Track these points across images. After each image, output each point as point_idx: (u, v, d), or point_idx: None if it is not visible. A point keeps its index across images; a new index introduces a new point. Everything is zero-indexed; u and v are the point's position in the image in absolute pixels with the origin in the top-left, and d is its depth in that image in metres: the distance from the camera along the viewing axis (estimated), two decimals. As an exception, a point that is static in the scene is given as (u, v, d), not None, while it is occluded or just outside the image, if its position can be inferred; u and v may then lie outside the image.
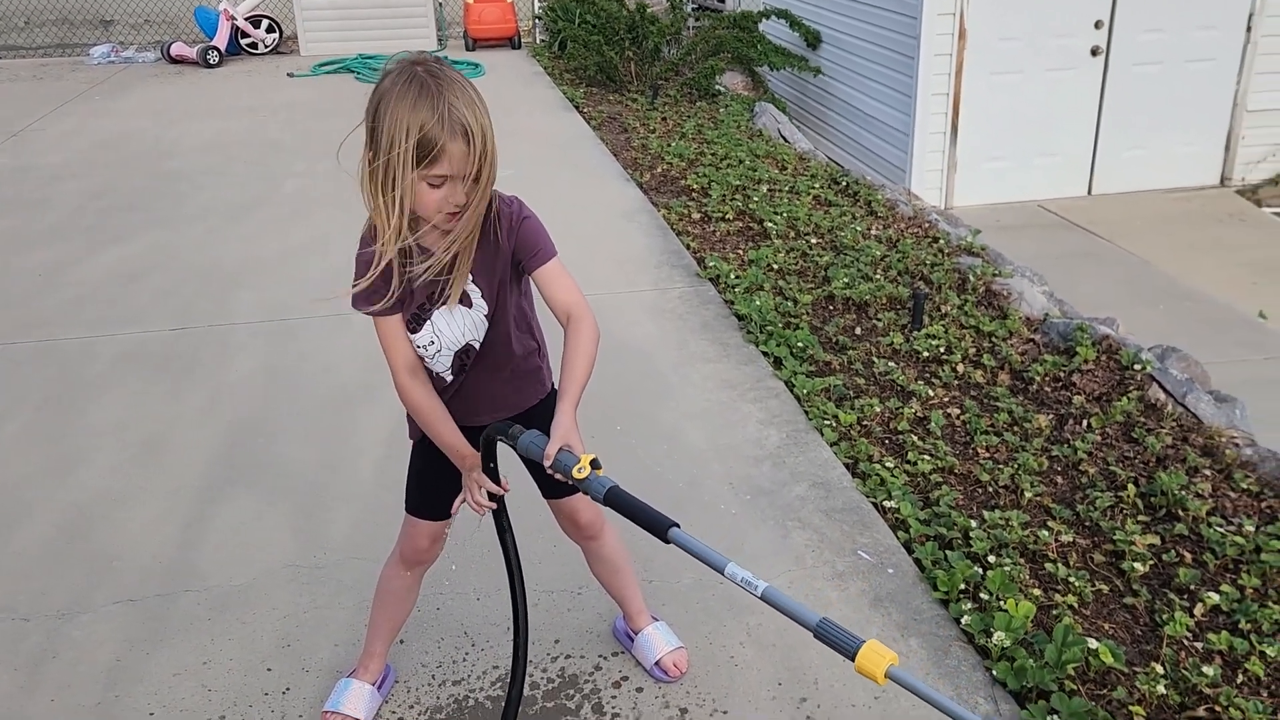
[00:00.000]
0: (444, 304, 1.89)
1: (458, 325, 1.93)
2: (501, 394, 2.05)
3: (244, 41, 10.82)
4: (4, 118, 8.24)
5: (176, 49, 10.45)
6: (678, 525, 1.65)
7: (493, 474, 1.93)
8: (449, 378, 2.01)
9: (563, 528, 2.27)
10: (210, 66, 10.23)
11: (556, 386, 1.88)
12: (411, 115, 1.66)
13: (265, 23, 10.88)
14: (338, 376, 3.82)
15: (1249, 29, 7.40)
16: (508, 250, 1.88)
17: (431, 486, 2.08)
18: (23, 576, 2.73)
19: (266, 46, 10.90)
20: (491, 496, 1.93)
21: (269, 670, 2.38)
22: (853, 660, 1.40)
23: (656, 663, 2.33)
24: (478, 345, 1.97)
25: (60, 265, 4.99)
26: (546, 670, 2.36)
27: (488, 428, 1.86)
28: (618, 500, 1.69)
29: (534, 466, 1.94)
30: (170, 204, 5.94)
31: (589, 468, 1.71)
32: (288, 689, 2.32)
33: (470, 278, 1.88)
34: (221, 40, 10.37)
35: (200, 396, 3.69)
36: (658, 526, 1.65)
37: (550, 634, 2.47)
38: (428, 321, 1.92)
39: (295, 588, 2.65)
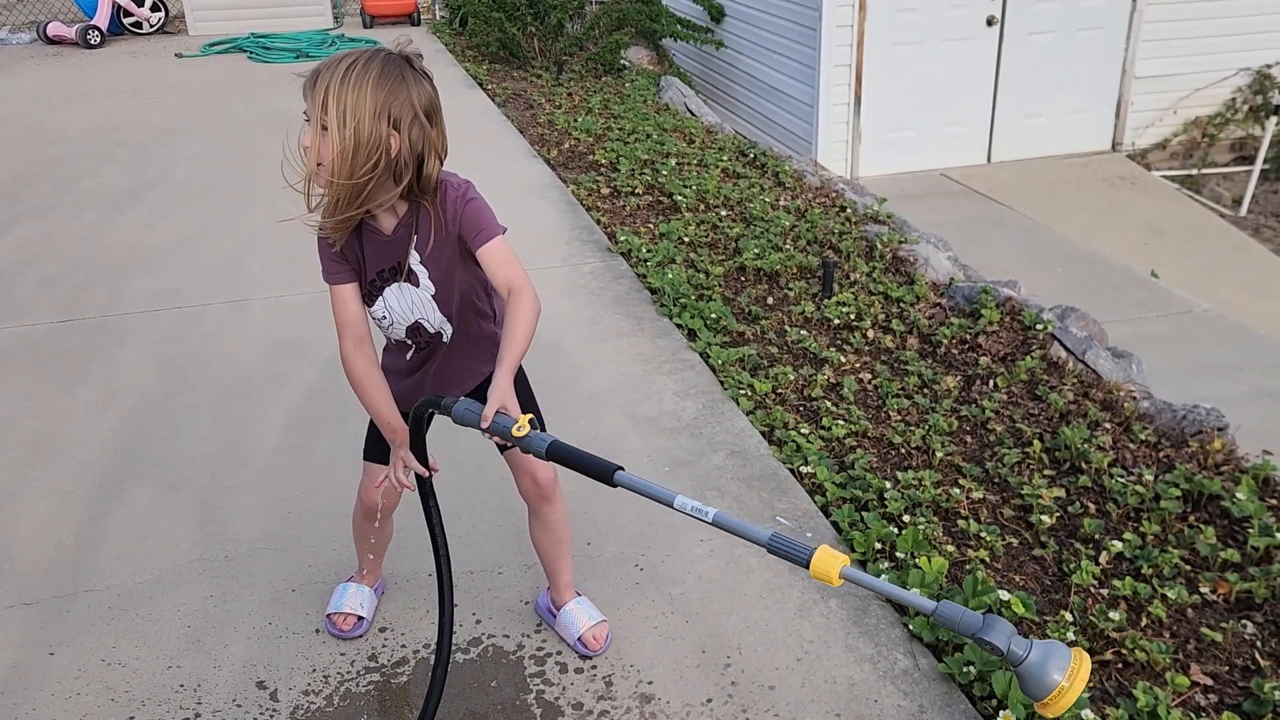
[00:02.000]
0: (393, 280, 1.97)
1: (406, 302, 2.00)
2: (464, 367, 2.11)
3: (127, 21, 10.36)
4: None
5: (54, 29, 9.96)
6: (622, 468, 1.65)
7: (421, 453, 1.95)
8: (409, 354, 2.10)
9: (520, 486, 2.28)
10: (91, 47, 9.78)
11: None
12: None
13: (150, 1, 10.43)
14: (237, 364, 3.69)
15: (1134, -2, 7.64)
16: (453, 233, 1.94)
17: (378, 437, 2.12)
18: (-95, 586, 2.58)
19: (152, 26, 10.47)
20: (416, 476, 1.97)
21: (179, 668, 2.29)
22: (807, 567, 1.43)
23: (579, 638, 2.33)
24: (428, 324, 2.03)
25: (-65, 258, 4.72)
26: (470, 650, 2.33)
27: (417, 403, 1.87)
28: (560, 453, 1.69)
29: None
30: (54, 191, 5.66)
31: (528, 426, 1.71)
32: (199, 685, 2.24)
33: (417, 257, 1.95)
34: (103, 20, 9.92)
35: (92, 390, 3.53)
36: (603, 471, 1.66)
37: (473, 612, 2.44)
38: (379, 297, 2.00)
39: (204, 582, 2.56)
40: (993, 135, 7.93)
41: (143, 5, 10.38)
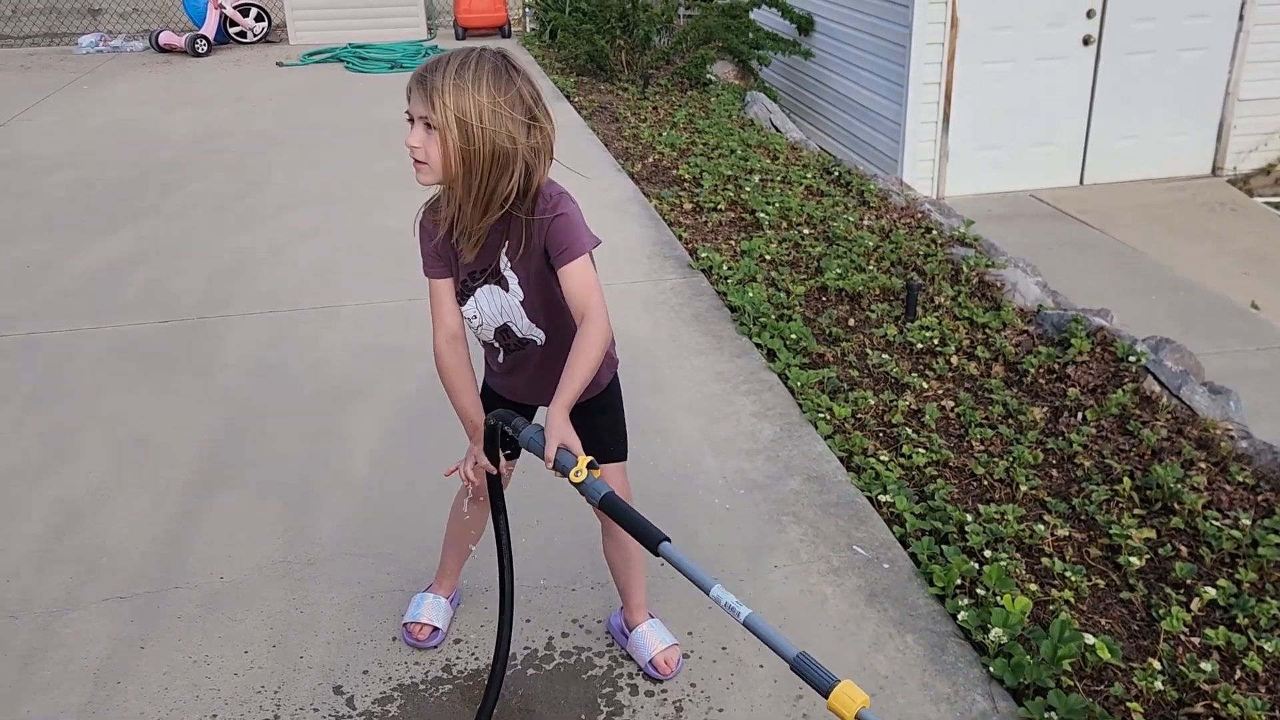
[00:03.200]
0: (484, 282, 2.01)
1: (496, 305, 2.04)
2: (553, 371, 2.05)
3: (232, 30, 10.73)
4: (-10, 107, 8.17)
5: (165, 38, 10.36)
6: (669, 540, 1.66)
7: (493, 456, 1.99)
8: (500, 358, 2.14)
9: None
10: (198, 55, 10.15)
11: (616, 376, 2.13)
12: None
13: (254, 11, 10.79)
14: (328, 370, 3.78)
15: (1241, 17, 7.39)
16: (539, 244, 1.94)
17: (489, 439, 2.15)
18: (11, 573, 2.70)
19: (255, 35, 10.82)
20: (487, 475, 2.02)
21: (260, 669, 2.36)
22: (826, 697, 1.40)
23: (650, 660, 2.33)
24: (516, 328, 2.07)
25: (48, 258, 4.94)
26: (542, 665, 2.35)
27: (492, 414, 1.92)
28: (612, 507, 1.71)
29: (579, 427, 1.97)
30: (159, 194, 5.89)
31: (585, 470, 1.72)
32: (279, 687, 2.30)
33: (507, 263, 1.98)
34: (210, 29, 10.28)
35: (189, 391, 3.66)
36: (649, 538, 1.66)
37: (545, 628, 2.46)
38: (471, 297, 2.05)
39: (287, 584, 2.63)
40: (1086, 157, 7.74)
41: (248, 15, 10.74)
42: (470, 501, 2.34)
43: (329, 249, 4.98)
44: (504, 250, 1.97)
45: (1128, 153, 7.71)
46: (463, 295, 2.05)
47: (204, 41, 10.19)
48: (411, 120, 1.85)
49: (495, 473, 2.01)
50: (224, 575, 2.67)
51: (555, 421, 1.79)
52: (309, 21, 10.73)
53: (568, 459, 1.74)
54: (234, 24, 10.69)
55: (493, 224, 1.93)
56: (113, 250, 5.04)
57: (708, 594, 1.59)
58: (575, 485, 1.73)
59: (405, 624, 2.43)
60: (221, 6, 10.41)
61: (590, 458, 1.74)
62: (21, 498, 3.03)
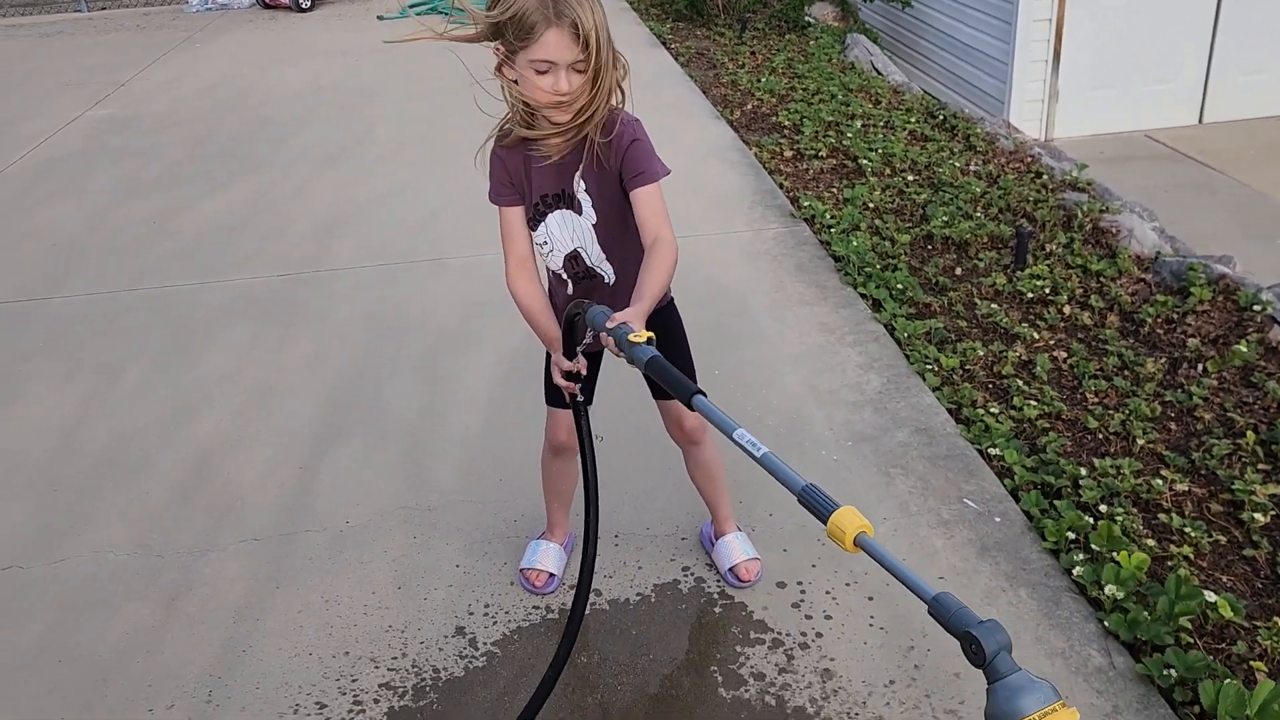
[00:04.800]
0: (557, 206, 2.04)
1: (568, 229, 2.08)
2: (618, 304, 2.10)
3: (332, -16, 10.88)
4: (112, 66, 8.47)
5: (270, -7, 10.57)
6: (703, 393, 1.63)
7: (571, 352, 1.98)
8: (570, 289, 2.17)
9: (670, 432, 2.39)
10: (302, 11, 10.34)
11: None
12: (522, 2, 1.79)
13: (352, -36, 10.91)
14: (436, 322, 3.89)
15: (1384, -60, 6.89)
16: (615, 168, 1.97)
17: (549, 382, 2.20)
18: (154, 517, 2.87)
19: (355, -12, 10.95)
20: (574, 378, 1.99)
21: (387, 609, 2.48)
22: (824, 524, 1.36)
23: (730, 568, 2.46)
24: (586, 255, 2.10)
25: (168, 213, 5.15)
26: (657, 607, 2.41)
27: (568, 316, 1.92)
28: (657, 368, 1.66)
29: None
30: (268, 150, 6.07)
31: (644, 336, 1.70)
32: (405, 627, 2.41)
33: (583, 185, 2.01)
34: (313, -16, 10.45)
35: (306, 342, 3.80)
36: (685, 391, 1.63)
37: (659, 573, 2.51)
38: (543, 222, 2.08)
39: (408, 529, 2.74)
40: (1206, 94, 7.35)
41: (346, -32, 10.87)
42: (554, 456, 2.43)
43: (432, 202, 5.08)
44: (578, 173, 2.00)
45: (1251, 88, 7.30)
46: (534, 220, 2.08)
47: (308, -4, 10.36)
48: (545, 68, 1.80)
49: (576, 368, 1.98)
50: (349, 520, 2.80)
51: (630, 312, 1.75)
52: (406, -27, 10.79)
53: (624, 328, 1.71)
54: (334, -23, 10.83)
55: (569, 146, 1.96)
56: (228, 205, 5.22)
57: (730, 436, 1.57)
58: (628, 349, 1.69)
59: (522, 570, 2.52)
60: (322, -39, 10.56)
61: (650, 334, 1.70)
62: (159, 446, 3.21)
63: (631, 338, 1.70)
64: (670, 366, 1.69)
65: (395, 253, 4.53)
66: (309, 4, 10.37)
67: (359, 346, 3.75)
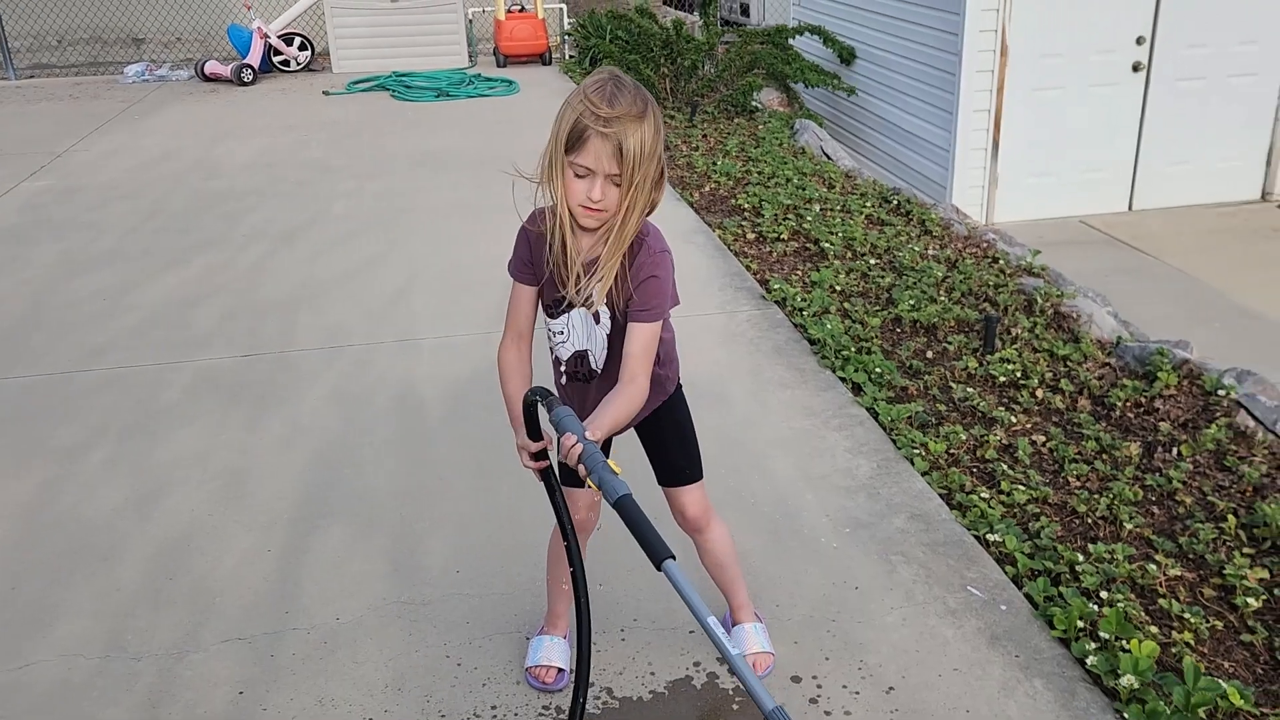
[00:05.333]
0: (584, 305, 2.07)
1: (586, 330, 2.11)
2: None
3: (277, 59, 10.85)
4: (46, 137, 8.27)
5: (210, 67, 10.49)
6: (674, 557, 1.64)
7: (533, 434, 2.01)
8: (563, 379, 2.20)
9: (674, 518, 2.36)
10: (245, 84, 10.27)
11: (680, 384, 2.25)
12: (577, 104, 1.85)
13: (298, 40, 10.92)
14: (414, 403, 3.81)
15: (1292, 44, 7.37)
16: (629, 291, 2.02)
17: None
18: (127, 613, 2.71)
19: (299, 64, 10.94)
20: (538, 457, 2.03)
21: (387, 712, 2.36)
22: None
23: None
24: (593, 358, 2.13)
25: (120, 289, 5.00)
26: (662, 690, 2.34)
27: (531, 393, 1.93)
28: (626, 510, 1.68)
29: (650, 448, 2.20)
30: (222, 226, 5.95)
31: (617, 470, 1.72)
32: (409, 731, 2.30)
33: (602, 299, 2.04)
34: (255, 58, 10.40)
35: (278, 425, 3.68)
36: (654, 552, 1.64)
37: (671, 670, 2.45)
38: (567, 314, 2.10)
39: (404, 625, 2.64)
40: (1135, 182, 7.72)
41: (291, 44, 10.87)
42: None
43: (399, 280, 5.02)
44: (599, 284, 2.02)
45: (1177, 178, 7.69)
46: (558, 309, 2.10)
47: (250, 70, 10.31)
48: (584, 174, 1.87)
49: (537, 448, 2.01)
50: (339, 615, 2.68)
51: (591, 428, 1.80)
52: (352, 50, 10.84)
53: (597, 456, 1.73)
54: (278, 53, 10.81)
55: (595, 257, 2.00)
56: (184, 281, 5.09)
57: (703, 623, 1.57)
58: (599, 477, 1.71)
59: (529, 668, 2.44)
60: (266, 35, 10.54)
61: (615, 463, 1.73)
62: (128, 535, 3.06)
63: (612, 465, 1.72)
64: (641, 516, 1.68)
65: (364, 333, 4.44)
66: (250, 78, 10.31)
67: (333, 429, 3.64)
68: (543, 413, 1.95)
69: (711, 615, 1.58)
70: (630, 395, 1.95)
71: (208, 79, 10.55)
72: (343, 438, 3.58)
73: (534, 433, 2.02)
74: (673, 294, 2.08)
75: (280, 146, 7.80)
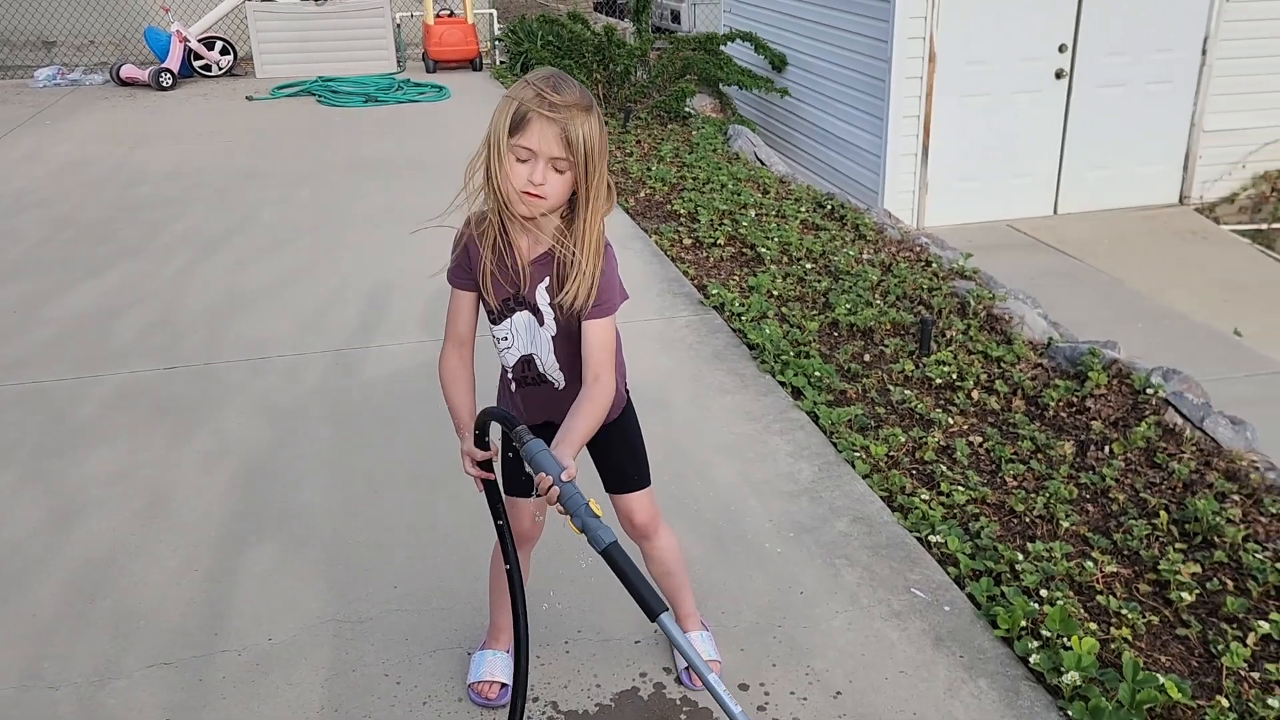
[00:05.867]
0: (522, 308, 2.03)
1: (530, 334, 2.06)
2: (560, 416, 2.08)
3: (197, 64, 10.57)
4: (-49, 143, 7.94)
5: (126, 71, 10.17)
6: (669, 609, 1.72)
7: (482, 444, 1.98)
8: (514, 387, 2.15)
9: (621, 524, 2.31)
10: (163, 89, 9.98)
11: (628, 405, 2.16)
12: (521, 91, 1.84)
13: (219, 44, 10.65)
14: (346, 415, 3.71)
15: (1204, 52, 7.63)
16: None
17: (516, 466, 2.14)
18: (43, 640, 2.58)
19: (221, 69, 10.67)
20: (482, 466, 1.99)
21: (324, 735, 2.28)
22: None
23: (686, 668, 2.38)
24: (540, 362, 2.09)
25: (34, 301, 4.80)
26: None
27: (496, 414, 1.90)
28: (614, 560, 1.70)
29: (597, 457, 2.15)
30: (142, 234, 5.75)
31: (599, 512, 1.72)
32: (348, 754, 2.22)
33: (546, 298, 2.00)
34: (174, 62, 10.12)
35: (204, 440, 3.56)
36: (648, 607, 1.70)
37: (618, 683, 2.41)
38: (509, 319, 2.05)
39: (339, 644, 2.55)
40: (1060, 187, 7.91)
41: (212, 48, 10.59)
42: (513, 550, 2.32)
43: (329, 288, 4.90)
44: (544, 285, 2.00)
45: (1099, 183, 7.89)
46: (501, 315, 2.06)
47: (168, 75, 10.02)
48: (525, 154, 1.84)
49: (483, 458, 1.98)
50: (271, 636, 2.59)
51: (563, 455, 1.78)
52: (276, 54, 10.61)
53: (578, 497, 1.72)
54: (198, 57, 10.53)
55: (543, 252, 1.98)
56: (102, 292, 4.90)
57: (704, 680, 1.65)
58: (582, 522, 1.70)
59: (471, 684, 2.38)
60: (185, 39, 10.25)
61: (595, 501, 1.73)
62: (45, 558, 2.91)
63: (593, 506, 1.70)
64: (630, 565, 1.70)
65: (293, 343, 4.32)
66: (170, 82, 10.03)
67: (263, 443, 3.53)
68: (496, 432, 1.93)
69: (714, 673, 1.62)
70: (597, 396, 1.93)
71: (124, 83, 10.23)
72: (273, 452, 3.47)
73: (481, 442, 1.97)
74: (620, 288, 2.04)
75: (203, 153, 7.59)
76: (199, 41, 10.44)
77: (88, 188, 6.69)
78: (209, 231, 5.78)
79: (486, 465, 2.00)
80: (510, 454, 1.99)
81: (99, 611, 2.69)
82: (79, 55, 11.70)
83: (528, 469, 1.79)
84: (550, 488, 1.73)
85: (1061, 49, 7.44)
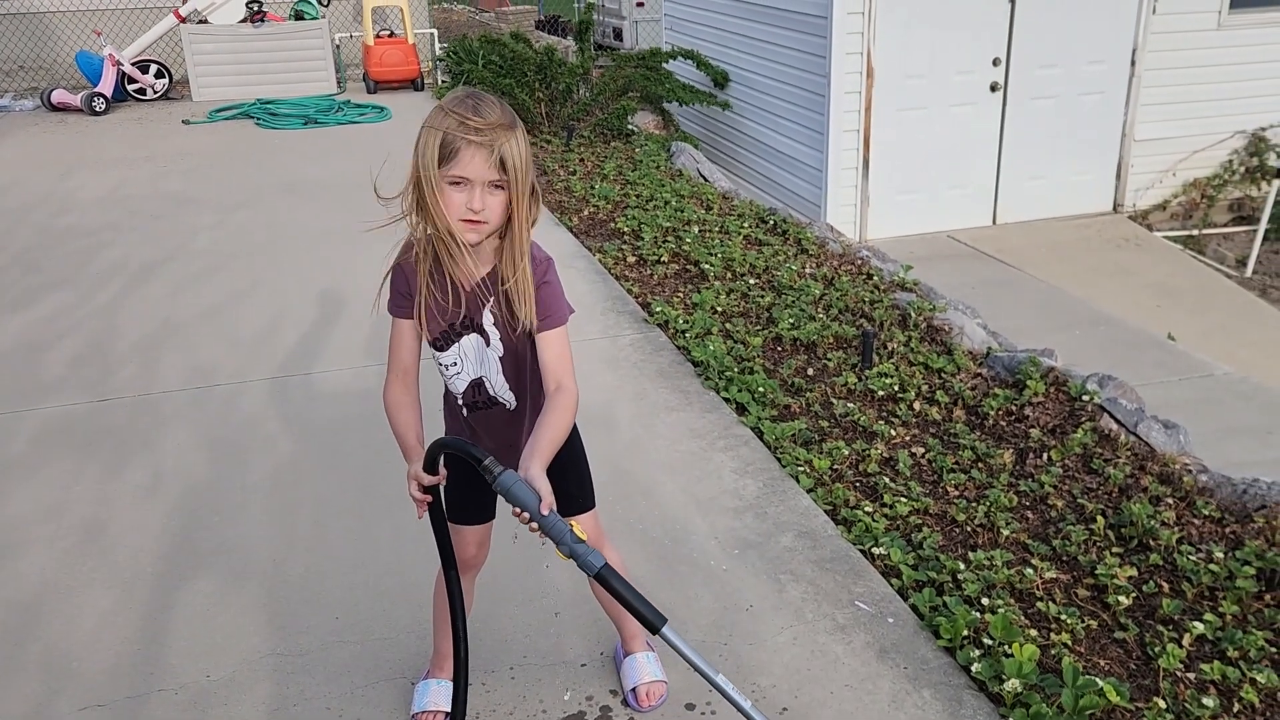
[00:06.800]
0: (468, 331, 2.01)
1: (479, 357, 2.05)
2: (521, 441, 2.10)
3: (131, 88, 10.39)
4: (-126, 173, 7.71)
5: (58, 96, 9.97)
6: (667, 621, 1.74)
7: (432, 470, 1.95)
8: (465, 413, 2.13)
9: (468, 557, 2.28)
10: (96, 114, 9.79)
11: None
12: (441, 120, 1.82)
13: (154, 67, 10.47)
14: (285, 444, 3.65)
15: (1133, 63, 7.83)
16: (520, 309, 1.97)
17: (464, 494, 2.12)
18: (-31, 687, 2.50)
19: (156, 92, 10.50)
20: (428, 491, 1.96)
21: (264, 773, 2.23)
22: None
23: (633, 689, 2.38)
24: (490, 384, 2.08)
25: (-39, 334, 4.67)
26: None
27: (457, 446, 1.86)
28: (608, 581, 1.72)
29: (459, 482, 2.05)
30: (73, 263, 5.63)
31: (584, 536, 1.74)
32: (288, 793, 2.17)
33: (491, 319, 2.00)
34: (107, 86, 9.93)
35: (139, 474, 3.48)
36: (648, 621, 1.72)
37: (541, 700, 2.39)
38: (456, 343, 2.03)
39: (280, 678, 2.50)
40: (998, 198, 8.05)
41: (147, 72, 10.42)
42: (460, 573, 2.28)
43: (268, 315, 4.82)
44: (489, 305, 2.00)
45: (1035, 192, 8.05)
46: (446, 341, 2.04)
47: (101, 99, 9.83)
48: (459, 181, 1.83)
49: (433, 482, 1.95)
50: (209, 673, 2.53)
51: (537, 477, 1.77)
52: (213, 78, 10.46)
53: (561, 524, 1.72)
54: (132, 80, 10.36)
55: (481, 279, 1.97)
56: (29, 324, 4.78)
57: (712, 682, 1.67)
58: (570, 549, 1.71)
59: (414, 715, 2.34)
60: (119, 63, 10.08)
61: (577, 522, 1.75)
62: (-29, 600, 2.82)
63: (577, 530, 1.72)
64: (624, 583, 1.72)
65: (229, 371, 4.25)
66: (102, 107, 9.84)
67: (198, 476, 3.46)
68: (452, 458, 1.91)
69: (721, 674, 1.64)
70: (561, 405, 1.93)
71: (55, 108, 10.02)
72: (210, 484, 3.40)
73: (431, 467, 1.94)
74: (566, 300, 2.05)
75: (137, 178, 7.45)
76: (133, 65, 10.27)
77: (15, 216, 6.53)
78: (142, 259, 5.67)
79: (432, 490, 1.97)
80: (458, 480, 1.98)
81: (28, 654, 2.61)
82: (8, 80, 11.46)
83: (504, 500, 1.77)
84: (529, 523, 1.73)
85: (995, 62, 7.59)
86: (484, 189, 1.83)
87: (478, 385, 2.08)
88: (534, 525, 1.74)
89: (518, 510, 1.75)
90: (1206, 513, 3.13)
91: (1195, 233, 8.18)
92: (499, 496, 1.86)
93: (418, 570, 2.85)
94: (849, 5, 7.14)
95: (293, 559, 2.98)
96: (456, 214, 1.85)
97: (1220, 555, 2.90)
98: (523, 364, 2.05)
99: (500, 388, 2.08)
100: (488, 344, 2.03)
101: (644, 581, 2.79)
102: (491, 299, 1.98)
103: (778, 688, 2.43)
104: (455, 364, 2.06)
